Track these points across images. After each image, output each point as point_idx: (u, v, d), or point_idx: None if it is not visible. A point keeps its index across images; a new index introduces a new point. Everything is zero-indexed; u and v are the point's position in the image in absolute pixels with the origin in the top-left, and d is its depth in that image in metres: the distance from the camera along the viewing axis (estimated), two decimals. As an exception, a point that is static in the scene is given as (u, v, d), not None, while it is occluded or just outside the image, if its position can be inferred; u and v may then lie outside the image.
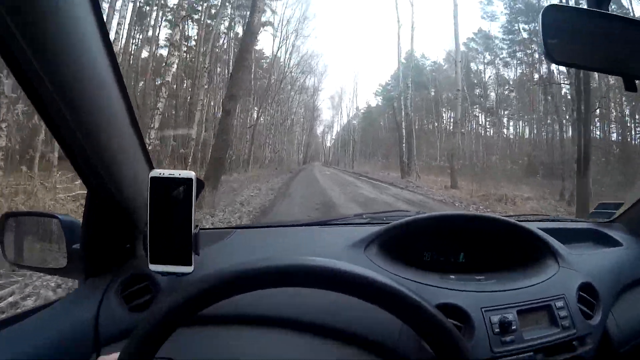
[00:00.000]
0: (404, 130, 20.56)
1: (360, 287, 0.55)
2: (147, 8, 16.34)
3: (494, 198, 11.00)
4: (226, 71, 17.97)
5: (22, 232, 0.94)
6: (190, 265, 0.68)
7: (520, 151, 21.20)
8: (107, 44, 0.61)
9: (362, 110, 41.12)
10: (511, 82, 23.50)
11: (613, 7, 0.75)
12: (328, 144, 54.30)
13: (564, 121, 15.68)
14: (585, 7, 0.74)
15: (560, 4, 0.75)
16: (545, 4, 0.77)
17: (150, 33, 16.49)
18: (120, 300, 0.78)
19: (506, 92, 23.94)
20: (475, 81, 26.04)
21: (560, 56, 0.75)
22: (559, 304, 0.87)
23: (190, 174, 0.66)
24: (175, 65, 10.36)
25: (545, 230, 1.09)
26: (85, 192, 0.79)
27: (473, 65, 26.76)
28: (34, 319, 0.76)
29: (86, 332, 0.75)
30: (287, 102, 27.39)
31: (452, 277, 0.93)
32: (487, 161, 20.26)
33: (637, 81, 0.74)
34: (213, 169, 8.36)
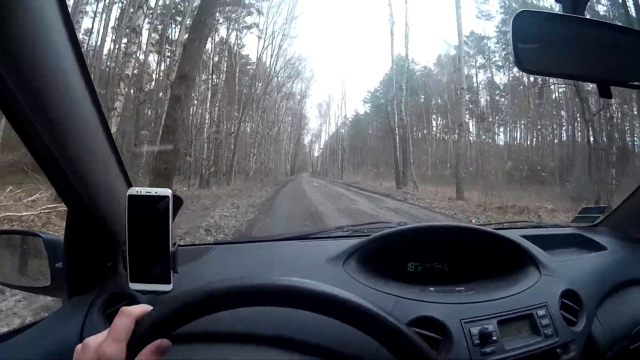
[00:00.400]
0: (397, 137, 20.26)
1: (325, 305, 0.57)
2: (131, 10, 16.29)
3: (513, 211, 10.12)
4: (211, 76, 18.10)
5: (6, 251, 0.96)
6: (169, 283, 0.70)
7: (518, 157, 21.37)
8: (81, 61, 0.64)
9: (350, 119, 41.74)
10: (502, 87, 24.00)
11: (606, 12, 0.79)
12: (316, 154, 54.35)
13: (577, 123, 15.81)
14: (560, 12, 0.76)
15: (533, 10, 0.76)
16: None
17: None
18: (103, 319, 0.80)
19: (497, 97, 24.43)
20: (465, 86, 26.70)
21: (532, 64, 0.76)
22: (541, 312, 0.89)
23: (167, 191, 0.68)
24: (135, 56, 9.23)
25: (528, 237, 1.14)
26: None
27: (465, 69, 27.49)
28: (18, 340, 0.77)
29: (70, 351, 0.76)
30: (273, 109, 27.45)
31: (432, 289, 0.95)
32: (491, 168, 20.37)
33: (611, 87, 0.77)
34: (156, 184, 6.24)
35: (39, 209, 6.04)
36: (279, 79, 26.02)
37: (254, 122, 24.22)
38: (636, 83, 0.81)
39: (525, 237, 1.13)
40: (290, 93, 30.89)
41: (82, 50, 0.65)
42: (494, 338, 0.81)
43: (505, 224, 1.44)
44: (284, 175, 35.22)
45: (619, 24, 0.78)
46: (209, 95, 17.18)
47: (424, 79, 29.90)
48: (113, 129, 6.90)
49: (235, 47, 20.01)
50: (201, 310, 0.57)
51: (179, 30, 17.14)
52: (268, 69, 23.91)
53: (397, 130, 20.52)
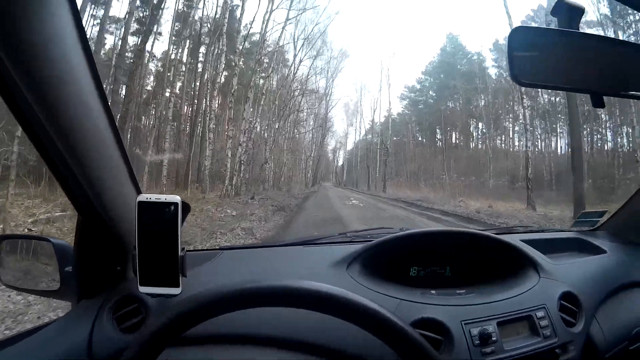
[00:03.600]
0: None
1: (333, 305, 0.75)
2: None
3: None
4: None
5: (17, 255, 1.20)
6: (178, 286, 0.91)
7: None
8: (92, 66, 0.80)
9: (388, 116, 40.37)
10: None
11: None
12: (340, 162, 53.48)
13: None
14: (555, 27, 0.95)
15: (528, 25, 0.99)
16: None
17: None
18: (113, 322, 1.01)
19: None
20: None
21: (527, 77, 0.96)
22: (540, 313, 1.10)
23: (176, 198, 0.88)
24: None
25: (529, 241, 1.37)
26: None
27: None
28: (29, 341, 0.97)
29: (80, 354, 0.96)
30: (291, 105, 27.01)
31: (433, 292, 1.17)
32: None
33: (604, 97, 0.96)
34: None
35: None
36: (302, 73, 25.95)
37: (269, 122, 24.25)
38: (630, 92, 1.00)
39: (525, 241, 1.37)
40: (311, 89, 30.12)
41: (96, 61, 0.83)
42: (494, 338, 1.02)
43: (506, 229, 1.71)
44: (305, 185, 34.64)
45: (610, 36, 0.95)
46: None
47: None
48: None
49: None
50: (215, 310, 0.74)
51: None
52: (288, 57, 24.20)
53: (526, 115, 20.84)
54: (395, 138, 39.23)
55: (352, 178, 48.15)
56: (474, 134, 31.55)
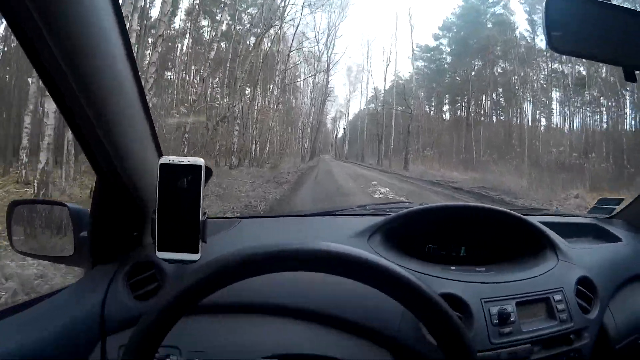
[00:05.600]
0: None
1: (367, 272, 0.81)
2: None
3: None
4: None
5: (30, 221, 1.33)
6: (197, 252, 1.00)
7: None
8: (124, 33, 0.88)
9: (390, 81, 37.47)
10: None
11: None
12: (341, 132, 52.10)
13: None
14: None
15: None
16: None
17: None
18: (127, 288, 1.13)
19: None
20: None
21: (563, 46, 1.11)
22: (557, 297, 1.25)
23: (199, 160, 0.97)
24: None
25: (546, 224, 1.51)
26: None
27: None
28: (41, 307, 1.09)
29: (93, 320, 1.08)
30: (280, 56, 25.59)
31: (453, 268, 1.32)
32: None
33: (637, 72, 1.10)
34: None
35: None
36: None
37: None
38: None
39: (543, 223, 1.50)
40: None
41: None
42: (512, 319, 1.16)
43: (523, 210, 1.86)
44: (301, 159, 31.10)
45: None
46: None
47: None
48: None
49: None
50: (244, 272, 0.80)
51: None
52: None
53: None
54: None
55: (354, 150, 46.08)
56: (515, 103, 30.63)
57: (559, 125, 27.00)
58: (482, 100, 31.92)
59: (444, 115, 35.82)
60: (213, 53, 19.71)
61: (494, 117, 31.46)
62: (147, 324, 0.77)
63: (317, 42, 29.69)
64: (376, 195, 14.27)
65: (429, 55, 36.00)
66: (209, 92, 21.92)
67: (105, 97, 0.91)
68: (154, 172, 0.96)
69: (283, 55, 26.76)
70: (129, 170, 1.09)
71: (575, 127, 25.49)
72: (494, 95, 30.86)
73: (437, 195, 15.40)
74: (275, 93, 26.27)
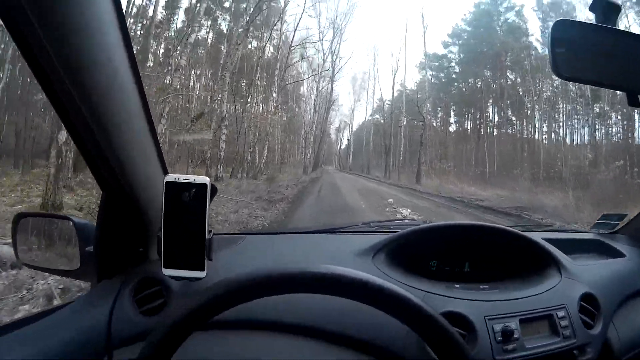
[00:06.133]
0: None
1: (370, 293, 0.86)
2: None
3: None
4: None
5: (35, 233, 1.39)
6: (203, 270, 1.04)
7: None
8: (128, 46, 0.92)
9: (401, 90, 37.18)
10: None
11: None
12: (345, 143, 51.46)
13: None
14: (593, 22, 1.14)
15: (570, 18, 1.17)
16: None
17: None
18: (133, 303, 1.18)
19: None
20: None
21: (568, 71, 1.16)
22: (561, 313, 1.30)
23: (205, 179, 1.01)
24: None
25: (550, 240, 1.58)
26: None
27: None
28: (47, 321, 1.14)
29: (99, 334, 1.11)
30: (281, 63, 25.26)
31: (457, 286, 1.38)
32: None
33: None
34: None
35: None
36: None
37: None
38: None
39: (546, 239, 1.58)
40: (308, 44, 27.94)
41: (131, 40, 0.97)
42: (516, 336, 1.21)
43: (527, 227, 1.97)
44: (303, 170, 30.20)
45: None
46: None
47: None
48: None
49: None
50: (251, 294, 0.85)
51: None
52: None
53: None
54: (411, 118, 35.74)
55: (359, 162, 46.48)
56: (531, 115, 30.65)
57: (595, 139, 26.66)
58: (496, 110, 32.08)
59: (451, 127, 35.88)
60: (194, 36, 18.87)
61: (510, 129, 31.51)
62: (158, 338, 0.82)
63: (321, 41, 29.97)
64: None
65: (436, 64, 36.21)
66: (191, 84, 21.82)
67: (110, 114, 0.96)
68: (160, 190, 1.01)
69: (284, 56, 26.57)
70: (134, 187, 1.15)
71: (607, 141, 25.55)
72: (509, 105, 30.98)
73: (467, 216, 14.05)
74: (274, 95, 25.62)
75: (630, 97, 1.18)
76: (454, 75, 35.50)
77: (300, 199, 16.09)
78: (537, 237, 1.57)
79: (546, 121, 29.29)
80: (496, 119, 32.68)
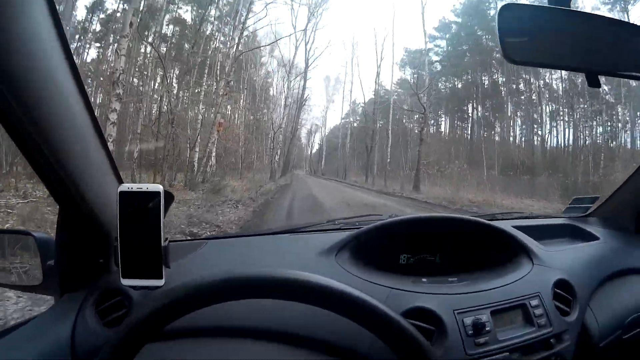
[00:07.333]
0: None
1: (320, 295, 0.92)
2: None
3: None
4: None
5: None
6: (161, 278, 1.12)
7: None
8: (69, 57, 1.00)
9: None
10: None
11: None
12: (316, 147, 50.65)
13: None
14: (545, 4, 1.21)
15: (517, 2, 1.23)
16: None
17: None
18: (96, 316, 1.25)
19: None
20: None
21: (519, 56, 1.22)
22: (534, 302, 1.39)
23: (158, 187, 1.08)
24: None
25: (520, 228, 1.70)
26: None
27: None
28: (12, 337, 1.19)
29: (63, 349, 1.19)
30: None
31: (424, 280, 1.46)
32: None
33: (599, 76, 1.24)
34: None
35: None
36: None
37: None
38: (625, 73, 1.30)
39: (517, 227, 1.69)
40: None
41: (72, 50, 1.03)
42: (488, 328, 1.29)
43: (497, 215, 2.07)
44: (269, 176, 27.31)
45: (604, 14, 1.23)
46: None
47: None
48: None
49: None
50: (195, 303, 0.91)
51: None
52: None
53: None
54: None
55: (331, 166, 45.39)
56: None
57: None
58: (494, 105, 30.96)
59: (441, 126, 34.48)
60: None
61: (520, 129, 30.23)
62: (110, 350, 0.89)
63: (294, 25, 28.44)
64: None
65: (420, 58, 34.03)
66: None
67: (54, 127, 1.03)
68: (114, 199, 1.08)
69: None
70: (88, 198, 1.22)
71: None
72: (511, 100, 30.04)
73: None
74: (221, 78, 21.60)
75: (589, 78, 1.26)
76: (439, 68, 34.49)
77: (259, 220, 12.06)
78: (506, 225, 1.68)
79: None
80: (506, 113, 30.81)
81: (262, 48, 26.50)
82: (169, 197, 1.22)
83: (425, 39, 32.74)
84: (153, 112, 19.88)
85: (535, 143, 28.72)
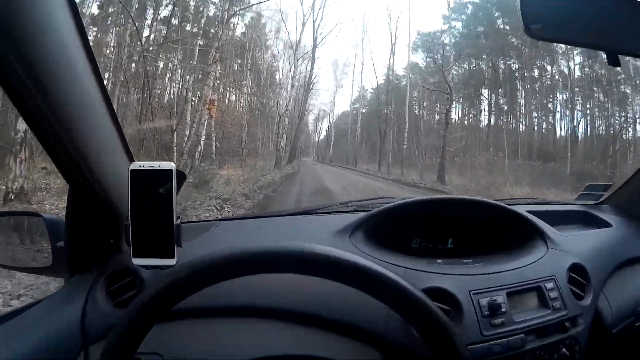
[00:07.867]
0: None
1: (343, 271, 0.93)
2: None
3: None
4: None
5: (6, 232, 1.50)
6: (174, 257, 1.12)
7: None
8: (83, 37, 1.01)
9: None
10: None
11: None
12: (324, 133, 50.10)
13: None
14: None
15: None
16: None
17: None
18: (106, 296, 1.28)
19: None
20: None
21: (541, 31, 1.23)
22: (549, 285, 1.43)
23: (170, 165, 1.09)
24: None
25: (534, 213, 1.73)
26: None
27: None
28: (21, 319, 1.23)
29: (73, 330, 1.21)
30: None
31: (439, 261, 1.50)
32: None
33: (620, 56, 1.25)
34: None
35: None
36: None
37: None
38: None
39: (530, 212, 1.72)
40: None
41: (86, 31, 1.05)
42: (503, 309, 1.32)
43: (510, 200, 2.13)
44: (274, 163, 25.43)
45: None
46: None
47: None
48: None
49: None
50: (211, 277, 0.93)
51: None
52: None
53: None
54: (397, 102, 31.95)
55: (339, 153, 44.09)
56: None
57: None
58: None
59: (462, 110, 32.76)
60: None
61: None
62: (118, 333, 0.89)
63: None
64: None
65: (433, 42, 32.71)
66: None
67: (67, 105, 1.04)
68: (126, 178, 1.09)
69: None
70: (99, 177, 1.23)
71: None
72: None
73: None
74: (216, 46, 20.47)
75: (609, 57, 1.27)
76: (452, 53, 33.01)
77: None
78: (520, 209, 1.70)
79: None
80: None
81: (266, 30, 26.02)
82: (181, 176, 1.23)
83: (449, 12, 31.58)
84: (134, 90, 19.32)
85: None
